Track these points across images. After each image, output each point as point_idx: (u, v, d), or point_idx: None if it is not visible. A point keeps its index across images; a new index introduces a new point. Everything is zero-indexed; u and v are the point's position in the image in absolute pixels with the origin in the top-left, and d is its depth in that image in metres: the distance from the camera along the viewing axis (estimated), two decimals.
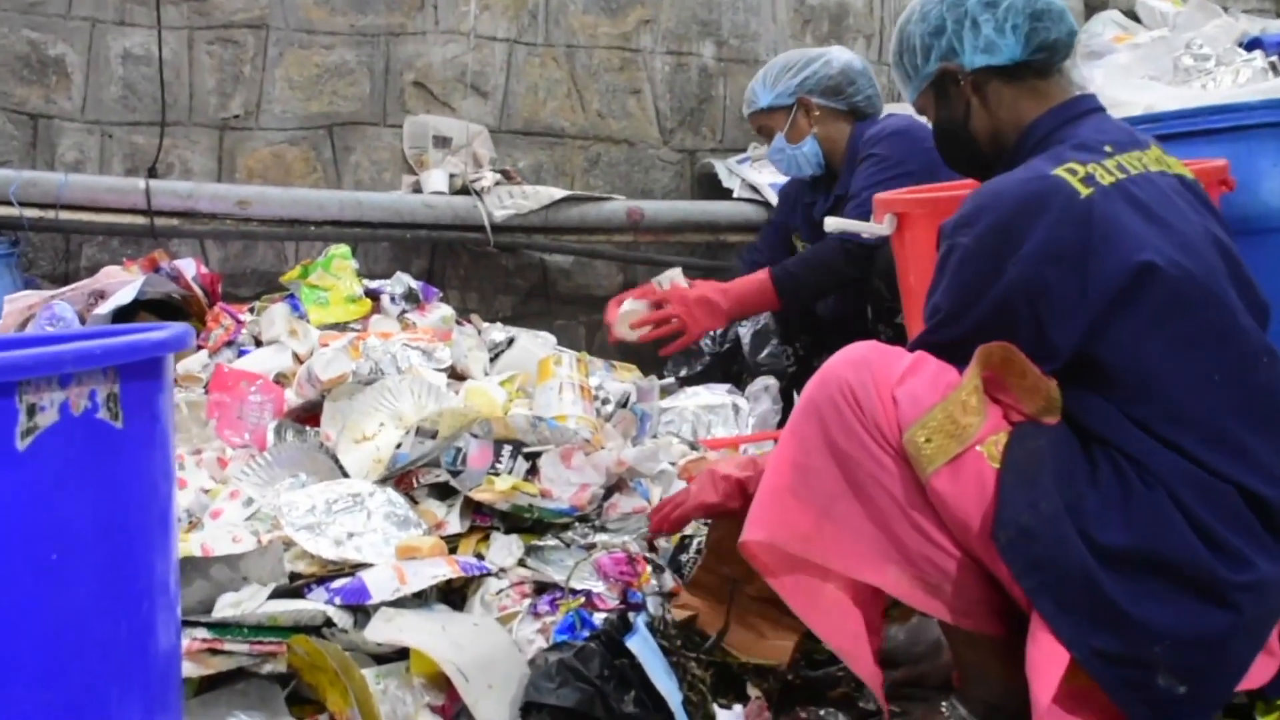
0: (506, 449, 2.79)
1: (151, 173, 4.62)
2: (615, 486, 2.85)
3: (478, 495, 2.68)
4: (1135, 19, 5.91)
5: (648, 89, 5.34)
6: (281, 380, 3.28)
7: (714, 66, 5.44)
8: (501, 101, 5.11)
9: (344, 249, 3.71)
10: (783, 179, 4.98)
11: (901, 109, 4.73)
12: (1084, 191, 2.11)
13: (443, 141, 4.98)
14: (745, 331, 4.56)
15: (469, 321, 3.76)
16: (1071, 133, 2.32)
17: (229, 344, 3.49)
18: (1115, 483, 2.03)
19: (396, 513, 2.70)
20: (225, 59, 4.75)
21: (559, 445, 2.80)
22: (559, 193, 4.84)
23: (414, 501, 2.80)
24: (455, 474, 2.75)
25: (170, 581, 1.74)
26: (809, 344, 4.21)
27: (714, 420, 3.38)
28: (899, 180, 3.75)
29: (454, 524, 2.72)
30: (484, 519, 2.74)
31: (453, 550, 2.67)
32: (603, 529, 2.76)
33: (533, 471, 2.79)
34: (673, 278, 3.84)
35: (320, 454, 2.90)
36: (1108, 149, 2.25)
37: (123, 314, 3.70)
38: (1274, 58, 5.16)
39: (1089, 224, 2.08)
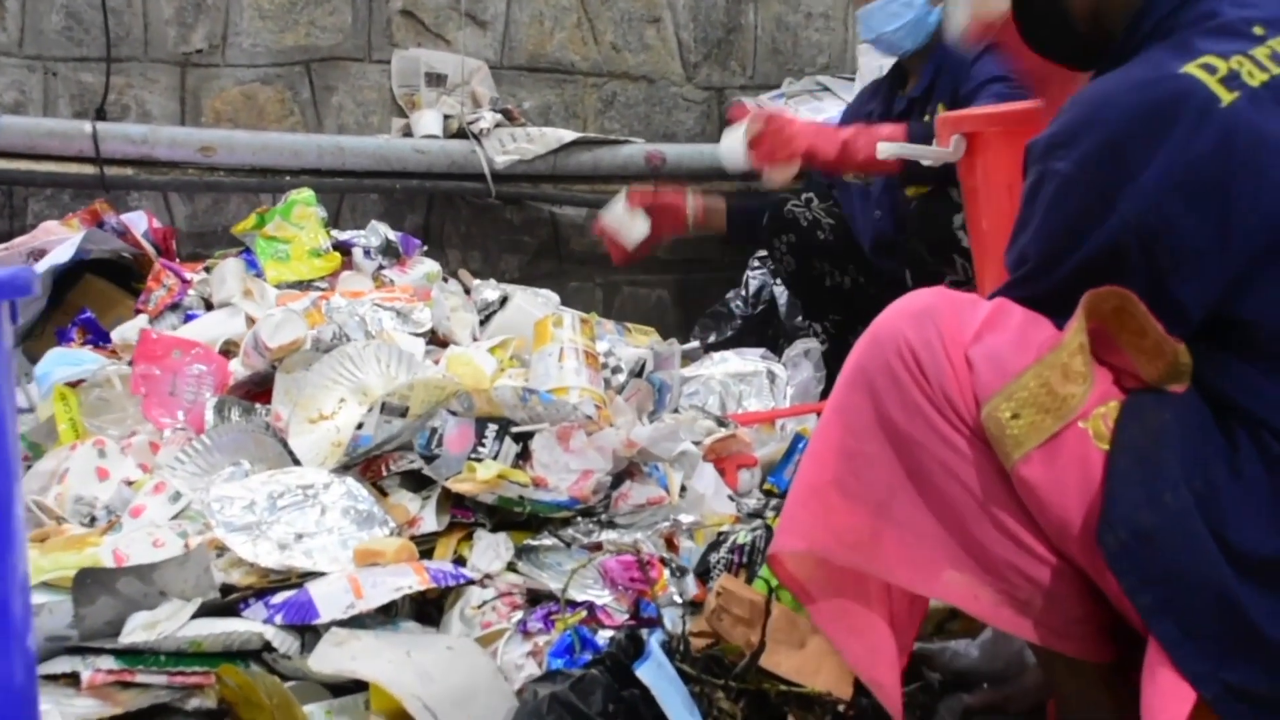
0: (491, 428, 2.43)
1: (100, 115, 4.23)
2: (625, 473, 2.49)
3: (456, 486, 2.33)
4: None
5: (668, 17, 4.94)
6: (230, 349, 2.91)
7: None
8: (503, 33, 4.72)
9: (307, 193, 3.32)
10: (824, 116, 4.60)
11: None
12: (1226, 97, 1.67)
13: (437, 79, 4.59)
14: (781, 292, 4.18)
15: (457, 278, 3.37)
16: (1204, 8, 1.80)
17: (173, 307, 3.11)
18: (1262, 470, 1.64)
19: (358, 508, 2.36)
20: None
21: (554, 423, 2.44)
22: (569, 135, 4.46)
23: (382, 493, 2.47)
24: (430, 459, 2.39)
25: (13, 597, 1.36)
26: (839, 322, 3.81)
27: (745, 390, 3.00)
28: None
29: (429, 520, 2.38)
30: (466, 514, 2.40)
31: (428, 553, 2.32)
32: (610, 525, 2.40)
33: (524, 455, 2.43)
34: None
35: (268, 437, 2.55)
36: (1257, 31, 1.77)
37: (66, 277, 3.37)
38: None
39: (1232, 143, 1.65)
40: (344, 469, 2.43)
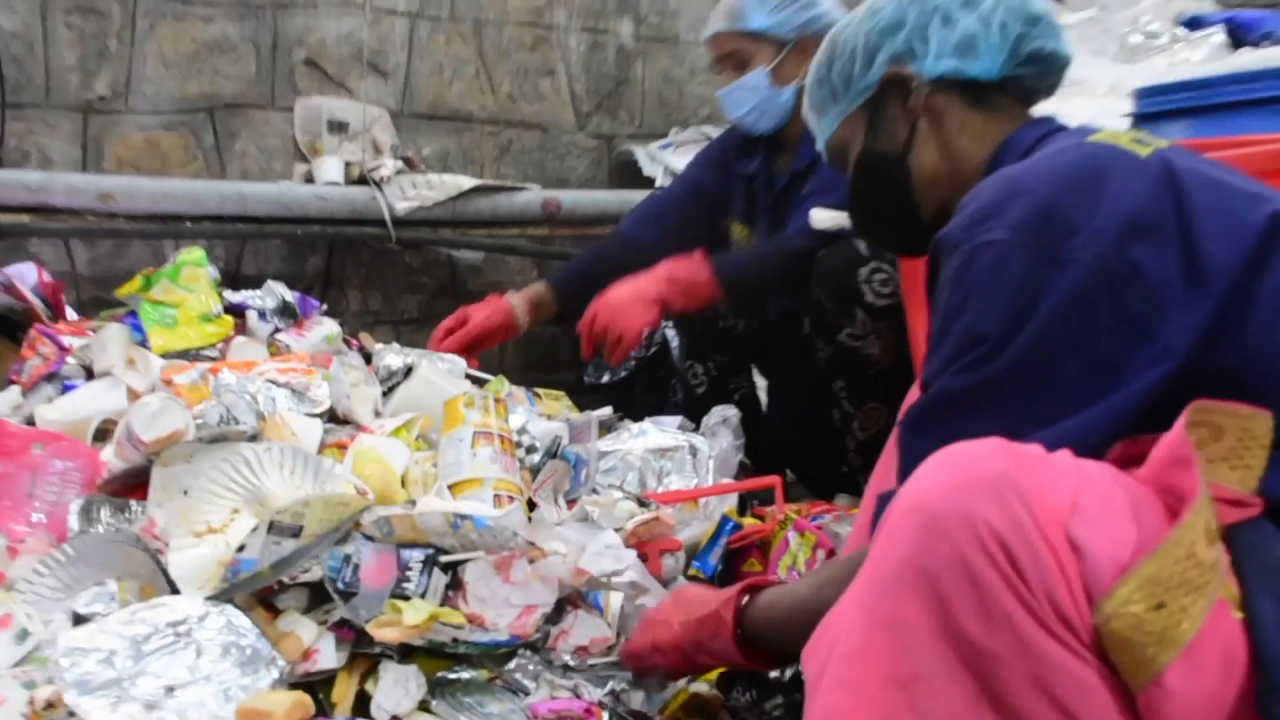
0: (416, 558, 1.64)
1: None
2: (566, 600, 1.73)
3: (380, 634, 1.55)
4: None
5: (562, 69, 4.15)
6: (109, 428, 2.09)
7: (632, 46, 4.27)
8: (403, 82, 3.90)
9: (197, 253, 2.48)
10: None
11: None
12: (1143, 151, 1.27)
13: (339, 126, 3.77)
14: (674, 334, 3.44)
15: (358, 342, 2.57)
16: (1064, 133, 1.46)
17: (49, 377, 2.27)
18: None
19: (240, 644, 1.57)
20: (87, 32, 3.48)
21: (491, 551, 1.66)
22: (468, 182, 3.67)
23: (272, 612, 1.67)
24: (345, 596, 1.61)
25: None
26: (723, 364, 3.09)
27: (667, 466, 2.23)
28: None
29: (327, 656, 1.60)
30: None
31: (328, 683, 1.57)
32: (548, 664, 1.65)
33: (454, 583, 1.65)
34: None
35: (138, 550, 1.72)
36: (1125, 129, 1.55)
37: None
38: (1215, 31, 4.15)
39: (1170, 179, 1.23)
40: (222, 596, 1.64)
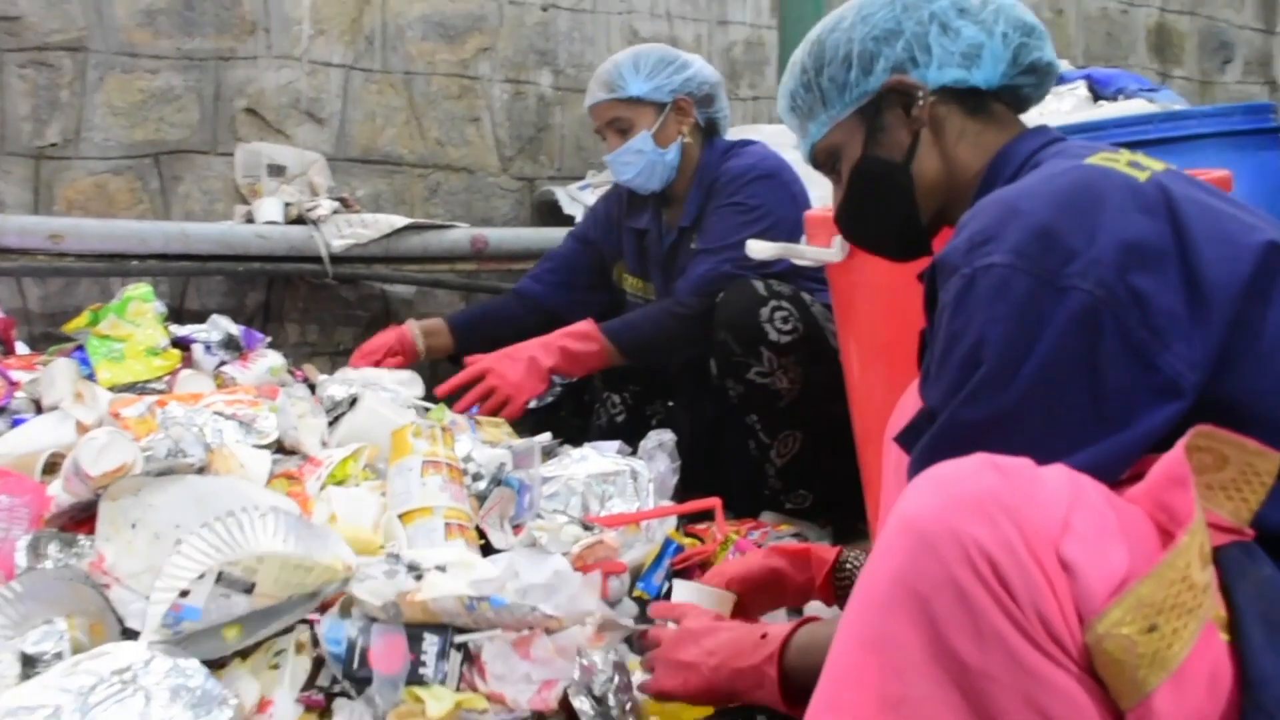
0: (432, 642, 1.48)
1: None
2: None
3: None
4: None
5: (487, 117, 4.07)
6: (58, 461, 1.96)
7: (551, 95, 4.20)
8: (338, 129, 3.80)
9: (144, 288, 2.35)
10: None
11: (751, 131, 3.59)
12: (1140, 175, 1.17)
13: (277, 170, 3.65)
14: None
15: (302, 373, 2.45)
16: (1060, 150, 1.33)
17: None
18: None
19: (188, 686, 1.42)
20: (40, 83, 3.34)
21: (509, 629, 1.52)
22: (400, 221, 3.57)
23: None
24: (359, 683, 1.46)
25: None
26: (638, 393, 3.03)
27: (610, 490, 2.14)
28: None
29: (283, 709, 1.46)
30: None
31: None
32: None
33: (468, 659, 1.51)
34: None
35: (88, 587, 1.59)
36: (1121, 151, 1.29)
37: None
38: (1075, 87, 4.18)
39: (1168, 207, 1.13)
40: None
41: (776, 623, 1.41)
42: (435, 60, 3.94)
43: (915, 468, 1.15)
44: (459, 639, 1.51)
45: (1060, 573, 0.92)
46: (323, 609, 1.54)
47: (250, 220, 3.51)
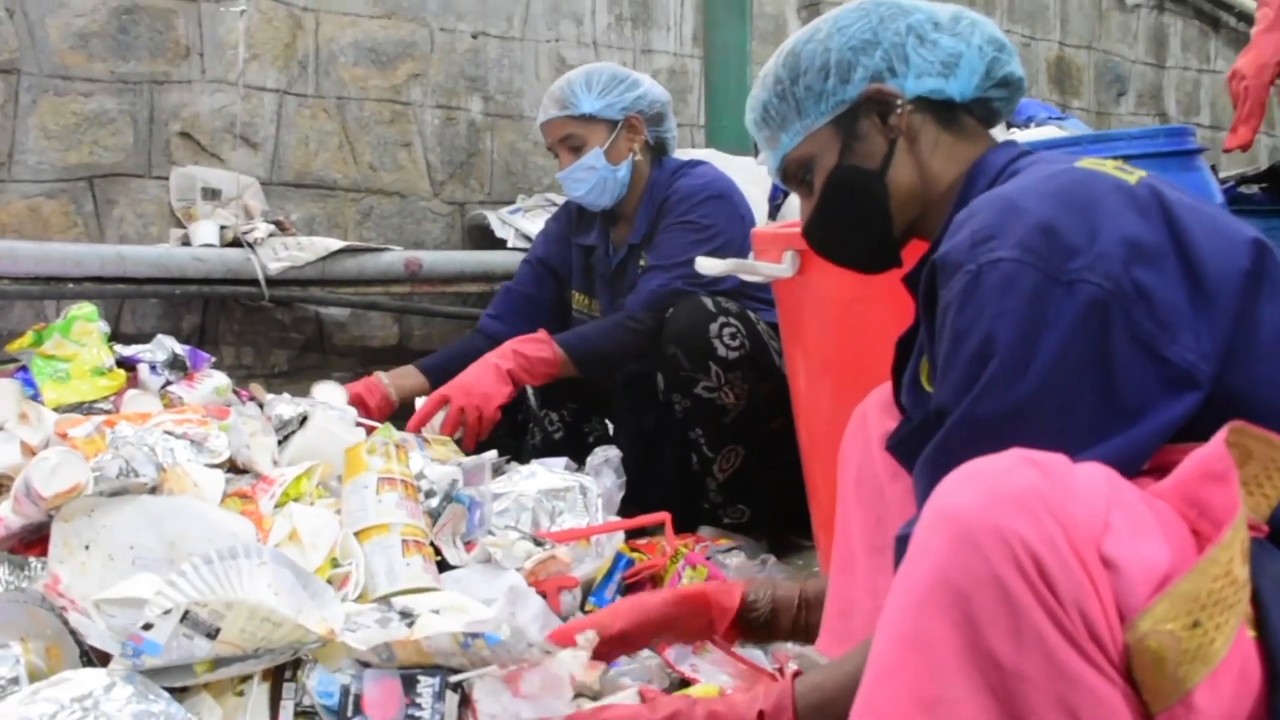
0: (427, 685, 1.43)
1: None
2: None
3: None
4: None
5: (418, 142, 4.05)
6: (3, 484, 1.91)
7: (481, 121, 4.18)
8: (272, 153, 3.75)
9: (88, 308, 2.29)
10: None
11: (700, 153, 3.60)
12: (1130, 178, 1.16)
13: (212, 193, 3.59)
14: None
15: (248, 392, 2.41)
16: (1038, 159, 1.32)
17: None
18: None
19: (150, 711, 1.35)
20: None
21: (503, 664, 1.46)
22: (336, 244, 3.53)
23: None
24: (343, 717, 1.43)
25: None
26: (575, 410, 3.02)
27: (560, 506, 2.12)
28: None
29: None
30: None
31: None
32: None
33: (465, 703, 1.45)
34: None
35: (44, 610, 1.54)
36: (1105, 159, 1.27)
37: None
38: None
39: (1161, 208, 1.12)
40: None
41: (765, 691, 1.27)
42: (368, 85, 3.92)
43: (927, 469, 1.13)
44: (455, 679, 1.48)
45: (1103, 571, 0.91)
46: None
47: (187, 243, 3.45)
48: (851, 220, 1.42)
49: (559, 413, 3.05)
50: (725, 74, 3.98)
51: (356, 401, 2.58)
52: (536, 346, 2.61)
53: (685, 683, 1.79)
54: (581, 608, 1.99)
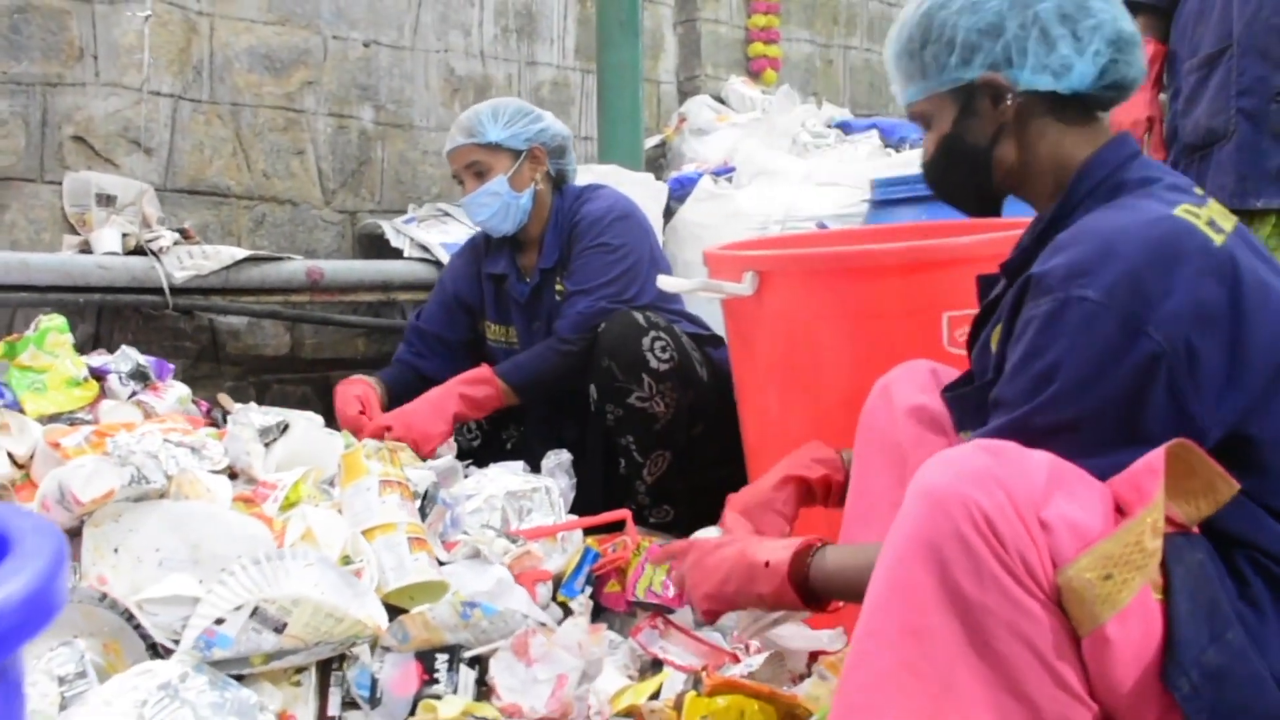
0: (440, 660, 1.61)
1: None
2: None
3: None
4: (722, 102, 5.19)
5: (311, 150, 4.12)
6: (2, 494, 1.97)
7: (373, 130, 4.28)
8: (167, 159, 3.78)
9: (59, 320, 2.35)
10: (454, 238, 3.94)
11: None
12: (1216, 238, 1.35)
13: (107, 199, 3.60)
14: None
15: (206, 404, 2.48)
16: (1137, 175, 1.48)
17: None
18: (1269, 601, 1.28)
19: (225, 698, 1.50)
20: None
21: (506, 637, 1.64)
22: (241, 253, 3.59)
23: None
24: (375, 703, 1.58)
25: None
26: (493, 418, 3.17)
27: (527, 506, 2.29)
28: (631, 272, 2.87)
29: None
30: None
31: None
32: None
33: (481, 682, 1.62)
34: None
35: (102, 608, 1.64)
36: (1198, 191, 1.47)
37: None
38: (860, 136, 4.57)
39: (1235, 279, 1.33)
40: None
41: (776, 545, 1.56)
42: (262, 92, 3.98)
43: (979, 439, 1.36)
44: (467, 654, 1.64)
45: (1040, 530, 1.20)
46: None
47: (85, 250, 3.46)
48: (959, 180, 1.60)
49: (476, 421, 3.19)
50: (618, 91, 4.19)
51: (365, 404, 2.77)
52: (482, 388, 2.79)
53: (657, 664, 2.00)
54: (554, 598, 2.16)
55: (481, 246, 3.17)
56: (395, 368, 3.11)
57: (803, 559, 1.51)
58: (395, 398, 2.93)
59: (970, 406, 1.48)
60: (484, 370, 2.82)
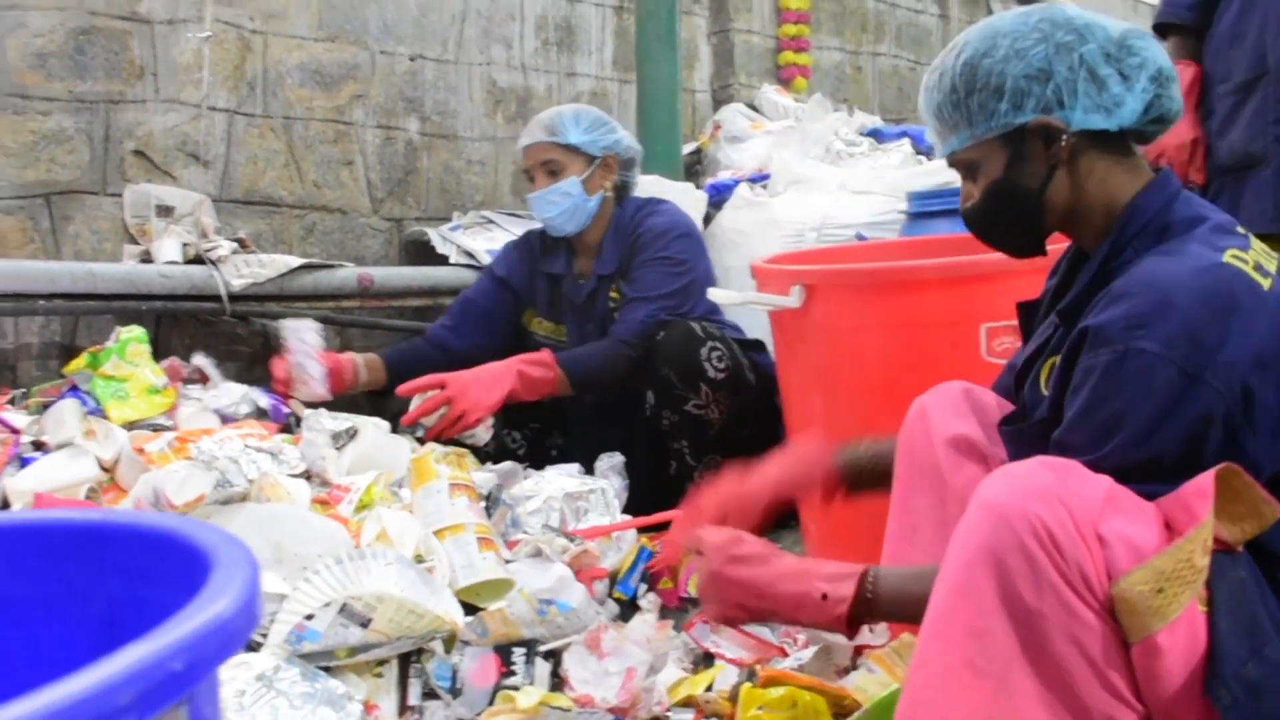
0: (518, 653, 1.73)
1: None
2: None
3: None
4: (755, 109, 5.28)
5: (359, 160, 4.24)
6: (92, 495, 2.09)
7: (419, 140, 4.40)
8: (222, 171, 3.91)
9: (139, 331, 2.49)
10: (499, 245, 4.05)
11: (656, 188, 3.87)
12: (1265, 282, 1.43)
13: (165, 210, 3.73)
14: None
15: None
16: (1184, 214, 1.53)
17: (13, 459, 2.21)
18: None
19: (315, 688, 1.61)
20: None
21: (579, 632, 1.75)
22: (296, 261, 3.71)
23: None
24: (456, 694, 1.70)
25: None
26: (538, 429, 3.27)
27: (584, 506, 2.40)
28: (690, 288, 2.97)
29: (388, 712, 1.67)
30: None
31: None
32: None
33: (555, 674, 1.74)
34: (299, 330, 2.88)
35: None
36: (1240, 230, 1.53)
37: None
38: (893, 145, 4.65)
39: None
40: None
41: (829, 572, 1.57)
42: (313, 106, 4.10)
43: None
44: (543, 648, 1.75)
45: (1097, 544, 1.28)
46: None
47: (147, 259, 3.59)
48: (1008, 224, 1.62)
49: (521, 431, 3.29)
50: (658, 104, 4.29)
51: (334, 368, 2.84)
52: (541, 370, 2.86)
53: (709, 657, 2.10)
54: (610, 594, 2.27)
55: (537, 244, 3.28)
56: (409, 346, 3.24)
57: (862, 592, 1.52)
58: (395, 373, 3.02)
59: (1027, 441, 1.54)
60: (546, 354, 2.90)
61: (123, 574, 0.87)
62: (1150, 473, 1.37)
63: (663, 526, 2.57)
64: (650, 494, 2.97)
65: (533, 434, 3.29)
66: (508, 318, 3.30)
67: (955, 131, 1.60)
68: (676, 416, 2.81)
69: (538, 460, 3.06)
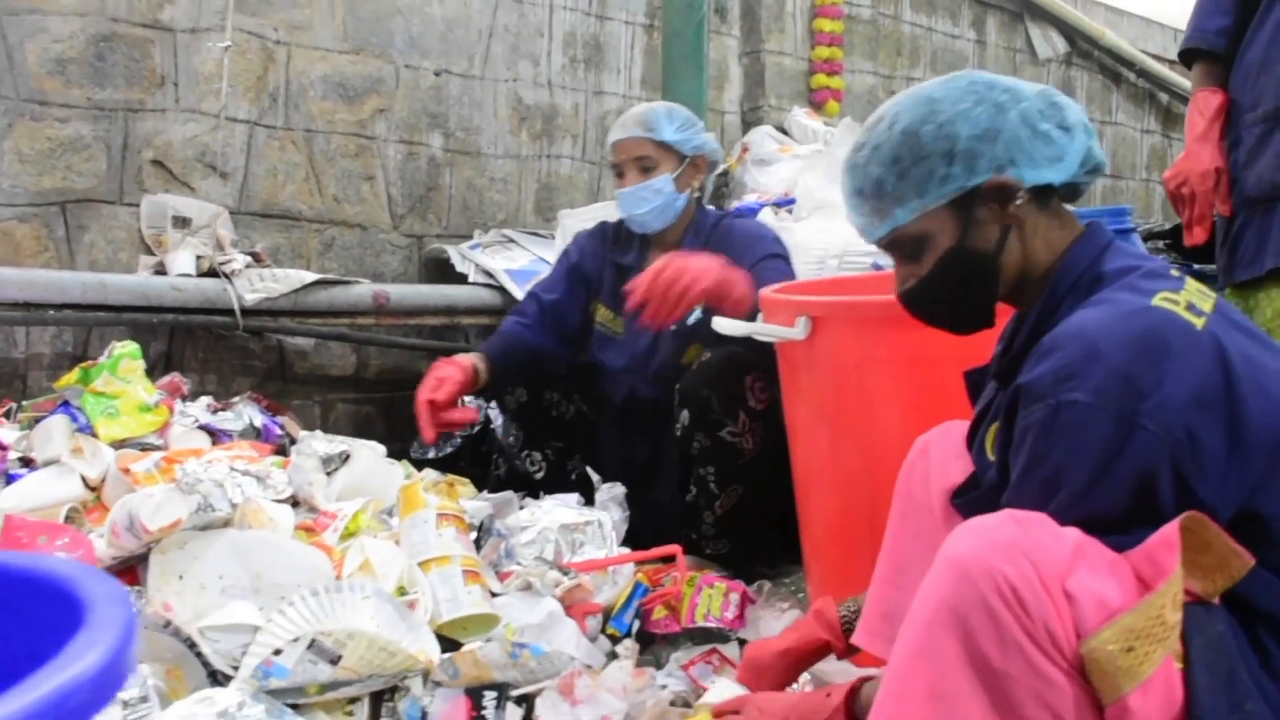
0: (489, 697, 1.64)
1: None
2: None
3: None
4: (784, 132, 5.21)
5: (380, 175, 4.20)
6: (74, 516, 2.03)
7: (441, 157, 4.35)
8: (241, 183, 3.87)
9: (132, 347, 2.43)
10: (519, 265, 4.00)
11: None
12: (1197, 322, 1.35)
13: (182, 222, 3.70)
14: (496, 414, 3.50)
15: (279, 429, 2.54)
16: (1116, 265, 1.47)
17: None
18: None
19: None
20: None
21: (553, 677, 1.68)
22: (310, 276, 3.67)
23: None
24: None
25: None
26: (560, 449, 3.19)
27: (580, 539, 2.32)
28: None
29: None
30: None
31: None
32: None
33: (528, 716, 1.67)
34: None
35: (165, 635, 1.69)
36: (1174, 273, 1.46)
37: None
38: None
39: (1222, 360, 1.33)
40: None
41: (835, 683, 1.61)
42: (335, 119, 4.06)
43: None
44: (515, 693, 1.67)
45: (1064, 601, 1.21)
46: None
47: (161, 271, 3.55)
48: (960, 295, 1.53)
49: (542, 452, 3.22)
50: None
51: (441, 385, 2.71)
52: (748, 290, 2.61)
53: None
54: (603, 630, 2.19)
55: (611, 235, 3.20)
56: (500, 339, 3.08)
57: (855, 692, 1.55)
58: (498, 372, 2.90)
59: (981, 509, 1.42)
60: (751, 277, 2.69)
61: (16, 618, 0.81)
62: (1103, 527, 1.29)
63: (663, 560, 2.49)
64: (660, 521, 2.90)
65: (555, 454, 3.21)
66: (581, 306, 3.18)
67: (900, 204, 1.51)
68: (709, 441, 2.71)
69: (557, 484, 2.99)
